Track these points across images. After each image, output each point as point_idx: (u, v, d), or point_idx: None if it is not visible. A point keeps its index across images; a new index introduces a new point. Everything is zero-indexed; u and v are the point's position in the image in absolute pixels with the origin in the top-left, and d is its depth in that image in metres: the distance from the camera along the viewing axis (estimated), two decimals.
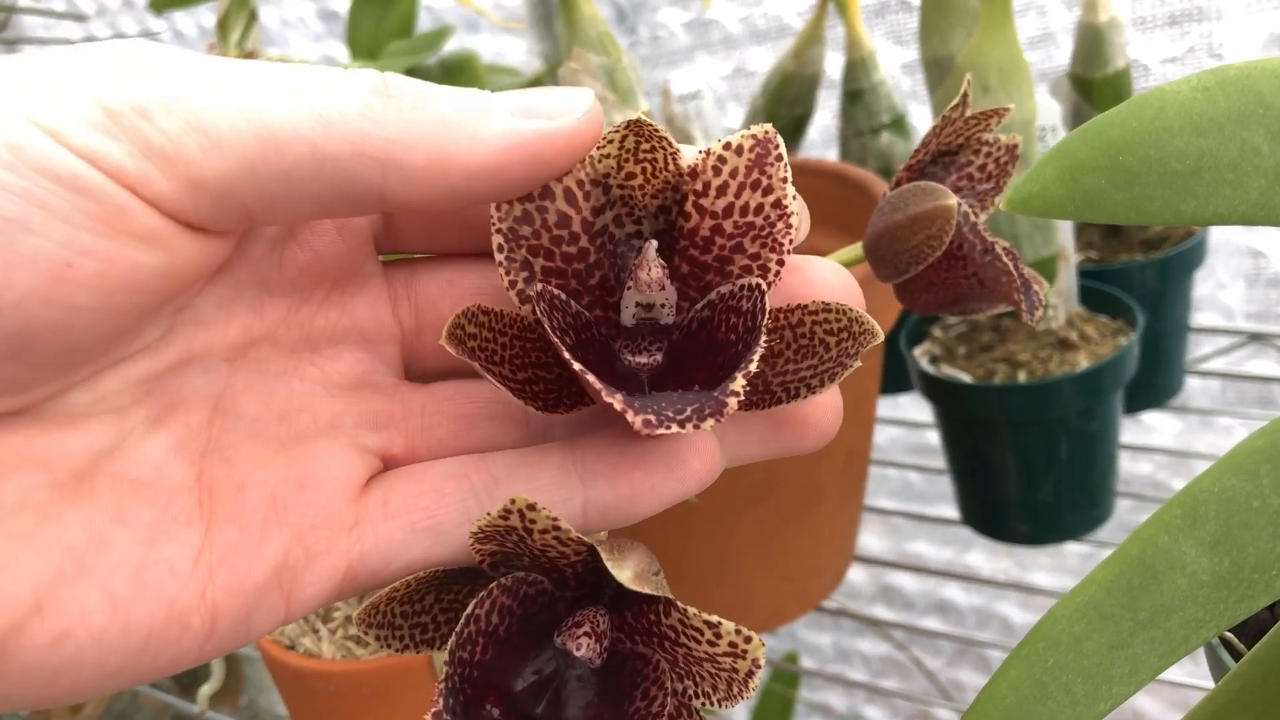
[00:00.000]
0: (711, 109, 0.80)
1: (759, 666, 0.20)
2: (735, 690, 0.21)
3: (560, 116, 0.21)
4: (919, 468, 0.91)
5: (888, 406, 0.88)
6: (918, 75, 0.92)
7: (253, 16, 0.70)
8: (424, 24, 0.95)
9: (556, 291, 0.22)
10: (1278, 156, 0.25)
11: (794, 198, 0.22)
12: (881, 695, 1.15)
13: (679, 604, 0.21)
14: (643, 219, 0.23)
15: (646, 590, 0.20)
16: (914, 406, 0.91)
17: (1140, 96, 0.25)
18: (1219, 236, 0.84)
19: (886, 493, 1.08)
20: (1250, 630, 0.32)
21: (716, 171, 0.22)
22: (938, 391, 0.62)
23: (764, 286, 0.22)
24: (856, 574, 1.16)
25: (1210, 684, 0.57)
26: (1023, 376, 0.59)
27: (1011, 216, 0.59)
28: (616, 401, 0.19)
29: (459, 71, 0.72)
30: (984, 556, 1.08)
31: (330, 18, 1.18)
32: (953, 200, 0.29)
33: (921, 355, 0.64)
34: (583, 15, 0.52)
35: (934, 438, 1.00)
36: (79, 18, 1.12)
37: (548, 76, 0.86)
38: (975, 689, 1.19)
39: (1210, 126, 0.25)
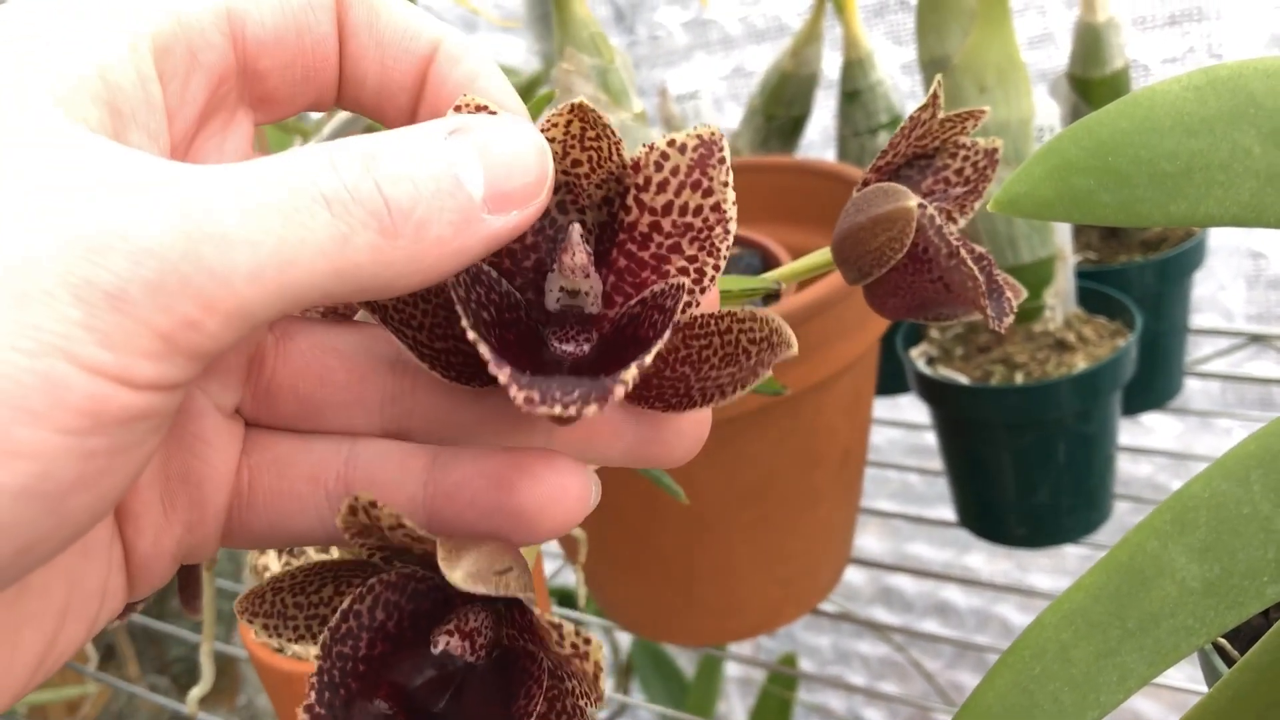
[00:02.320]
0: (709, 109, 0.80)
1: (600, 670, 0.20)
2: (588, 691, 0.21)
3: (530, 199, 0.21)
4: (918, 469, 0.91)
5: (886, 407, 0.88)
6: (916, 76, 0.91)
7: None
8: None
9: (486, 267, 0.22)
10: (1270, 157, 0.24)
11: (733, 204, 0.22)
12: (880, 698, 1.14)
13: (525, 605, 0.21)
14: (586, 208, 0.23)
15: (480, 590, 0.19)
16: (912, 408, 0.90)
17: (1130, 96, 0.25)
18: (1219, 238, 0.83)
19: (885, 494, 1.08)
20: (1244, 636, 0.31)
21: (658, 167, 0.22)
22: (934, 393, 0.62)
23: (687, 285, 0.22)
24: (855, 576, 1.15)
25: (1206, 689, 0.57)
26: (1020, 378, 0.59)
27: (1008, 218, 0.59)
28: (502, 374, 0.19)
29: None
30: (983, 558, 1.07)
31: None
32: (912, 202, 0.29)
33: (918, 356, 0.63)
34: (575, 17, 0.52)
35: (933, 439, 0.99)
36: None
37: (546, 76, 0.86)
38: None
39: (1201, 127, 0.24)
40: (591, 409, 0.19)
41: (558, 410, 0.19)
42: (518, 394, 0.18)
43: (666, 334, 0.20)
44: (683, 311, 0.22)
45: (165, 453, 0.22)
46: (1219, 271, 0.86)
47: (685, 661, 1.14)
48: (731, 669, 1.24)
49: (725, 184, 0.22)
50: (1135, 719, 0.97)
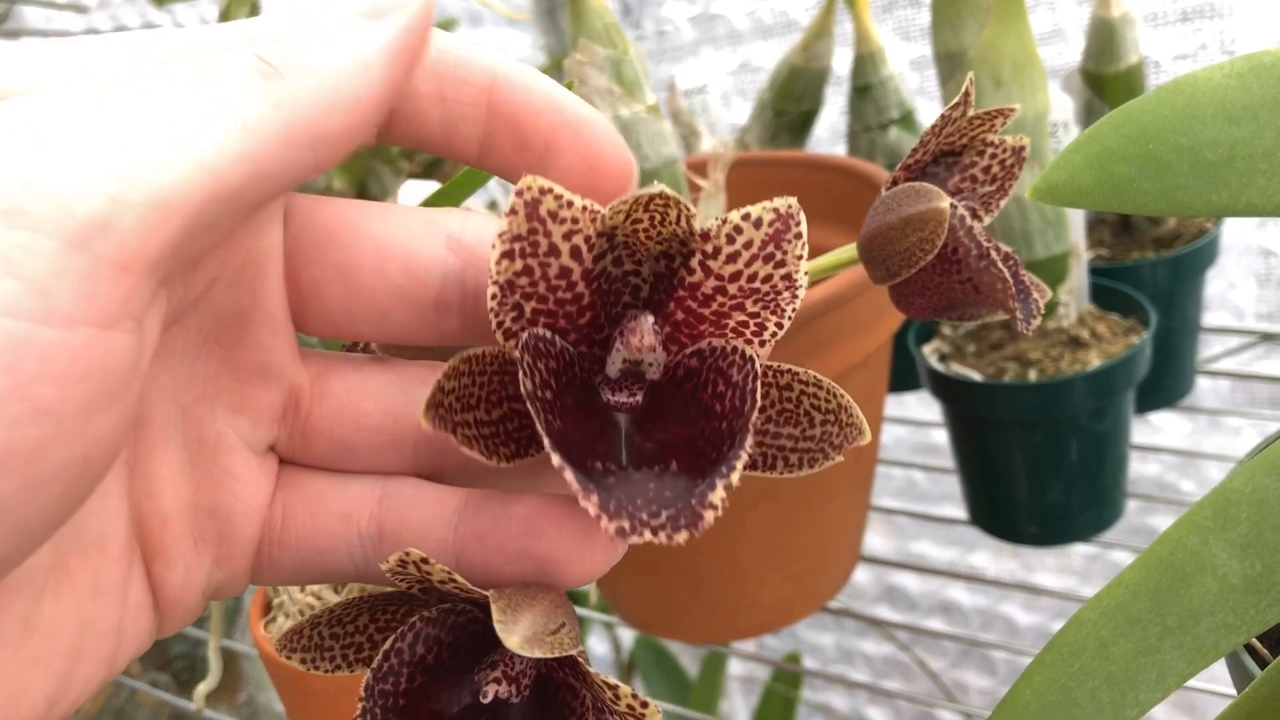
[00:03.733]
0: (717, 104, 0.79)
1: None
2: None
3: (403, 4, 0.21)
4: (924, 467, 0.90)
5: (892, 405, 0.88)
6: (925, 71, 0.91)
7: (254, 9, 0.69)
8: None
9: (544, 334, 0.21)
10: None
11: (804, 272, 0.22)
12: (884, 696, 1.14)
13: (579, 664, 0.21)
14: (643, 260, 0.22)
15: (538, 654, 0.19)
16: (919, 405, 0.90)
17: (1172, 82, 0.24)
18: (1230, 236, 0.83)
19: (891, 492, 1.08)
20: (1275, 635, 0.31)
21: (730, 240, 0.22)
22: (947, 390, 0.61)
23: (757, 365, 0.21)
24: (860, 574, 1.15)
25: (1223, 688, 0.56)
26: (1033, 375, 0.59)
27: (1023, 213, 0.58)
28: (591, 506, 0.19)
29: None
30: (989, 557, 1.07)
31: None
32: (945, 203, 0.28)
33: (930, 353, 0.63)
34: (589, 7, 0.51)
35: (939, 437, 0.99)
36: (80, 9, 1.11)
37: (552, 70, 0.85)
38: (979, 690, 1.18)
39: (1244, 114, 0.24)
40: (682, 537, 0.19)
41: (646, 538, 0.19)
42: (608, 525, 0.19)
43: (750, 435, 0.20)
44: (751, 389, 0.21)
45: (195, 486, 0.22)
46: (1229, 270, 0.85)
47: (688, 660, 1.14)
48: (734, 667, 1.24)
49: (799, 257, 0.21)
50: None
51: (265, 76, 0.19)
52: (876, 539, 1.13)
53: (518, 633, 0.19)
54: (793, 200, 0.21)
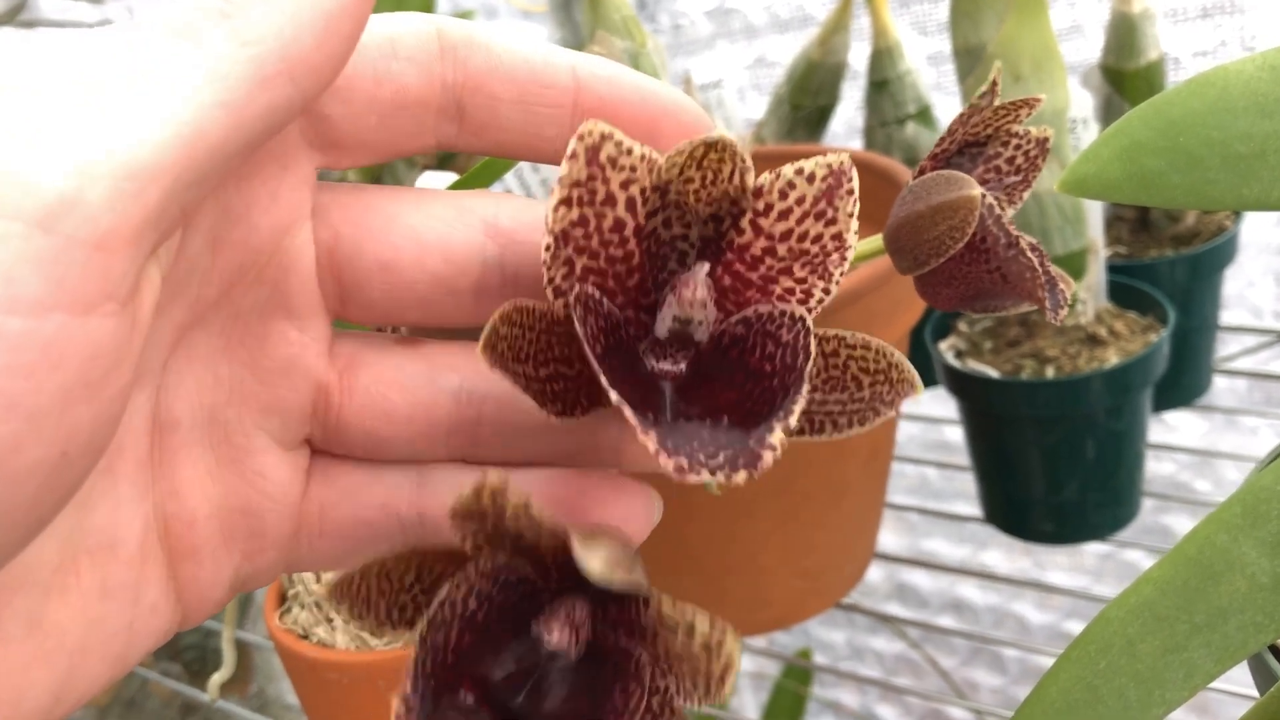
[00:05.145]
0: (732, 99, 0.79)
1: (732, 666, 0.19)
2: (712, 689, 0.20)
3: None
4: (937, 464, 0.90)
5: (906, 402, 0.87)
6: (942, 67, 0.91)
7: None
8: (443, 9, 0.94)
9: (594, 293, 0.21)
10: None
11: (855, 233, 0.21)
12: (894, 692, 1.14)
13: (655, 594, 0.20)
14: (691, 223, 0.22)
15: (618, 578, 0.19)
16: (932, 402, 0.90)
17: (1202, 75, 0.24)
18: (1248, 234, 0.82)
19: (904, 489, 1.07)
20: None
21: (783, 196, 0.21)
22: (963, 386, 0.61)
23: (809, 322, 0.21)
24: (872, 572, 1.15)
25: (1238, 688, 0.56)
26: (1050, 372, 0.58)
27: (1041, 209, 0.58)
28: (651, 441, 0.18)
29: None
30: (1001, 555, 1.07)
31: None
32: (977, 190, 0.28)
33: (947, 349, 0.62)
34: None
35: (951, 434, 0.99)
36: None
37: None
38: (990, 689, 1.18)
39: (1276, 107, 0.24)
40: (741, 477, 0.18)
41: (705, 478, 0.18)
42: (666, 461, 0.18)
43: (805, 384, 0.20)
44: (804, 344, 0.21)
45: (225, 487, 0.22)
46: (1247, 268, 0.85)
47: None
48: (745, 663, 1.23)
49: (850, 214, 0.21)
50: None
51: (225, 15, 0.18)
52: (888, 536, 1.12)
53: (599, 557, 0.19)
54: (845, 155, 0.21)
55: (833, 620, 1.19)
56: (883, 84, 0.71)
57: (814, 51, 0.73)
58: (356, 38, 0.20)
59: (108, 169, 0.16)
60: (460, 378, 0.23)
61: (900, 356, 0.22)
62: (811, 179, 0.21)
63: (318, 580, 0.45)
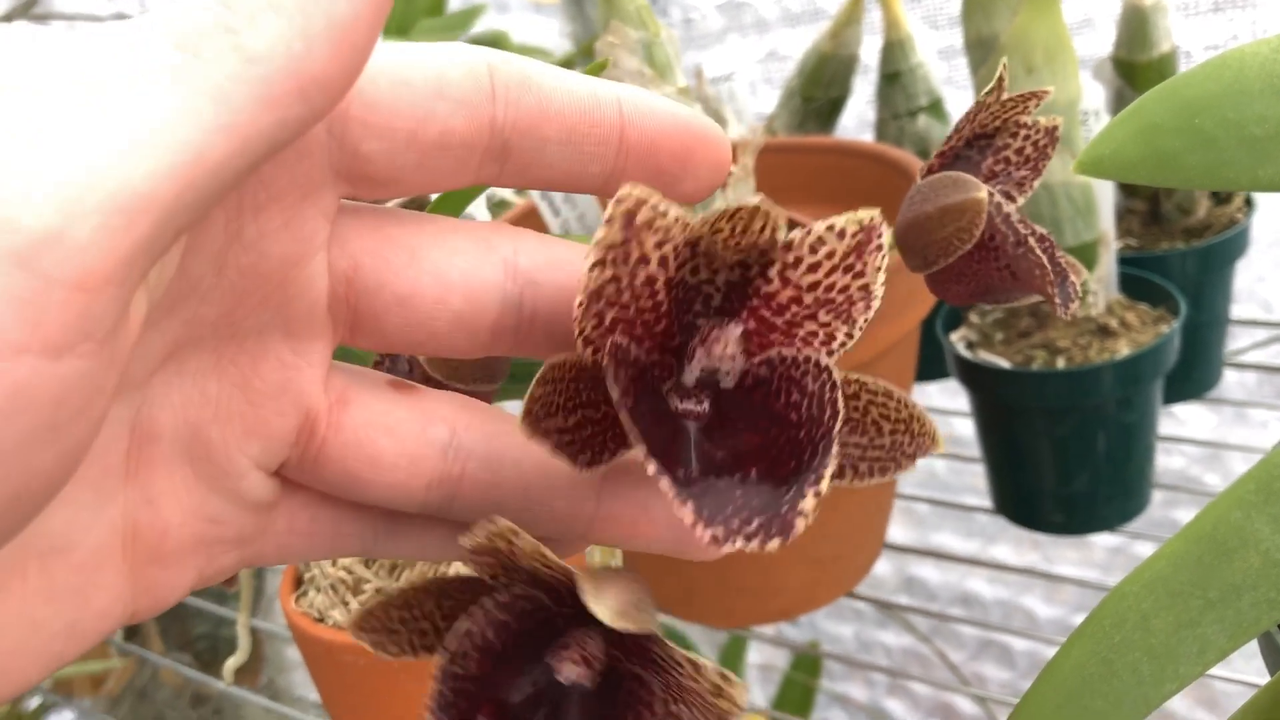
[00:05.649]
0: (744, 92, 0.79)
1: (740, 708, 0.20)
2: None
3: None
4: (946, 456, 0.90)
5: (915, 394, 0.88)
6: (953, 60, 0.91)
7: None
8: (455, 3, 0.95)
9: (623, 342, 0.21)
10: None
11: (882, 284, 0.22)
12: (903, 682, 1.14)
13: (652, 648, 0.21)
14: (719, 269, 0.22)
15: (629, 628, 0.19)
16: (941, 395, 0.90)
17: (1219, 57, 0.24)
18: (1259, 227, 0.82)
19: (913, 482, 1.07)
20: None
21: (813, 251, 0.22)
22: (974, 377, 0.61)
23: (834, 373, 0.21)
24: (880, 565, 1.15)
25: (1235, 674, 0.56)
26: (1062, 363, 0.58)
27: (1052, 200, 0.58)
28: (687, 514, 0.18)
29: None
30: (1010, 549, 1.07)
31: None
32: (983, 193, 0.29)
33: (958, 340, 0.63)
34: None
35: (961, 426, 0.99)
36: None
37: (579, 57, 0.85)
38: (999, 682, 1.18)
39: None
40: (774, 544, 0.19)
41: (739, 546, 0.18)
42: (703, 532, 0.18)
43: (835, 444, 0.20)
44: (830, 398, 0.21)
45: (200, 500, 0.22)
46: (1258, 262, 0.85)
47: (708, 648, 1.14)
48: (753, 655, 1.24)
49: (879, 269, 0.21)
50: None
51: (230, 30, 0.17)
52: (897, 529, 1.12)
53: (608, 605, 0.19)
54: (876, 211, 0.21)
55: (841, 614, 1.19)
56: (894, 76, 0.71)
57: (825, 45, 0.73)
58: (371, 47, 0.19)
59: (95, 202, 0.15)
60: (450, 431, 0.22)
61: (922, 410, 0.22)
62: (842, 235, 0.21)
63: (334, 564, 0.45)
